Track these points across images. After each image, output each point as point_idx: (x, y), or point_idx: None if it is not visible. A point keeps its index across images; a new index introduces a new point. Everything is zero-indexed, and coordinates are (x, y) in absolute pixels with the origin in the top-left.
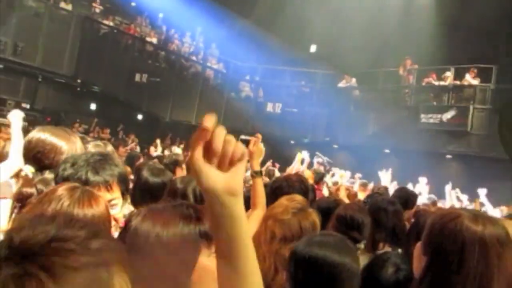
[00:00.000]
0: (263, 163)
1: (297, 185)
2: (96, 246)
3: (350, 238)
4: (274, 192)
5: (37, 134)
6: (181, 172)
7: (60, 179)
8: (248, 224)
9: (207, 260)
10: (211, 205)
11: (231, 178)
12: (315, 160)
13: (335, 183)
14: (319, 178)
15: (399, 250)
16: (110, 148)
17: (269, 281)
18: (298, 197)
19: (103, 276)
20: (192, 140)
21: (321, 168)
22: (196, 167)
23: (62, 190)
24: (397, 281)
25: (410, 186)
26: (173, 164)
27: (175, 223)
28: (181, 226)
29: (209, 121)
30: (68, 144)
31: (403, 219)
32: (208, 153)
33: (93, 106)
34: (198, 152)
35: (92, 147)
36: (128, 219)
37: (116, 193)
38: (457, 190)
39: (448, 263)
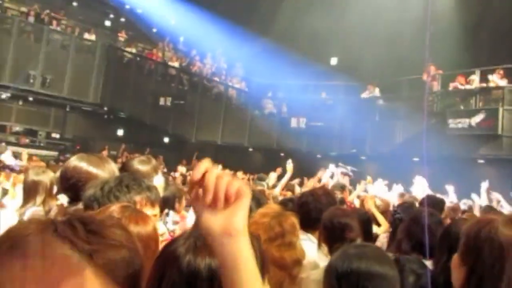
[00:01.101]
0: (292, 179)
1: (324, 198)
2: None
3: (343, 240)
4: (302, 207)
5: (73, 162)
6: None
7: (87, 200)
8: (254, 264)
9: None
10: (212, 246)
11: (227, 218)
12: (338, 170)
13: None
14: (342, 188)
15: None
16: (154, 162)
17: None
18: (274, 206)
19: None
20: (188, 189)
21: (346, 178)
22: (194, 211)
23: (114, 207)
24: None
25: (441, 194)
26: None
27: None
28: None
29: (199, 171)
30: (104, 172)
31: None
32: (204, 195)
33: (120, 132)
34: (194, 198)
35: (137, 163)
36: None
37: (157, 209)
38: (498, 195)
39: (488, 270)
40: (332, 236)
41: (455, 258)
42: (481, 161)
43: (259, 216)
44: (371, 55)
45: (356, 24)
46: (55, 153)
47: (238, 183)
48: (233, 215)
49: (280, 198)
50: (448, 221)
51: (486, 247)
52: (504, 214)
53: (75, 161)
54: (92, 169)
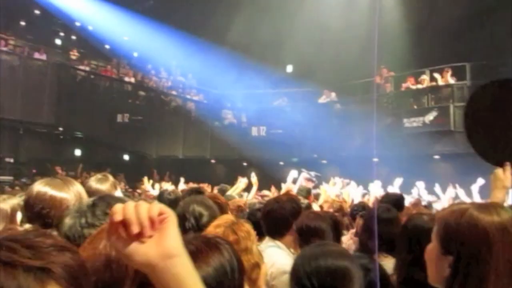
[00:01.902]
0: (259, 188)
1: (289, 205)
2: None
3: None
4: (268, 215)
5: (36, 188)
6: None
7: (67, 232)
8: (198, 280)
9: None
10: (154, 277)
11: (161, 241)
12: (302, 176)
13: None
14: (307, 193)
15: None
16: (111, 178)
17: None
18: (228, 216)
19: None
20: (106, 234)
21: (310, 184)
22: (122, 253)
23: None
24: (369, 284)
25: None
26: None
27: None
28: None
29: (118, 211)
30: (69, 195)
31: (397, 225)
32: (128, 230)
33: (77, 152)
34: (116, 240)
35: (96, 183)
36: None
37: None
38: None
39: (475, 256)
40: (305, 240)
41: (432, 249)
42: (437, 156)
43: (212, 228)
44: (325, 61)
45: (308, 31)
46: (10, 178)
47: (158, 205)
48: (166, 237)
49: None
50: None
51: (470, 234)
52: (471, 203)
53: (38, 187)
54: (56, 194)
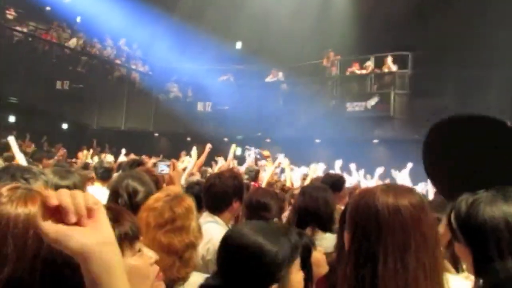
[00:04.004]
0: (206, 164)
1: (230, 181)
2: None
3: (261, 218)
4: (208, 189)
5: None
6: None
7: None
8: (124, 275)
9: (132, 260)
10: (87, 265)
11: (96, 229)
12: (247, 153)
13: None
14: (255, 175)
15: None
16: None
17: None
18: (172, 188)
19: None
20: (38, 219)
21: (258, 164)
22: (58, 237)
23: (3, 189)
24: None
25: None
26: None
27: None
28: None
29: (53, 196)
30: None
31: (331, 204)
32: (62, 217)
33: (12, 119)
34: (49, 224)
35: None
36: None
37: None
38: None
39: (367, 236)
40: (252, 215)
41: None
42: (376, 141)
43: (152, 201)
44: (274, 40)
45: (259, 10)
46: None
47: (91, 195)
48: (101, 225)
49: None
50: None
51: (364, 213)
52: (386, 184)
53: None
54: None
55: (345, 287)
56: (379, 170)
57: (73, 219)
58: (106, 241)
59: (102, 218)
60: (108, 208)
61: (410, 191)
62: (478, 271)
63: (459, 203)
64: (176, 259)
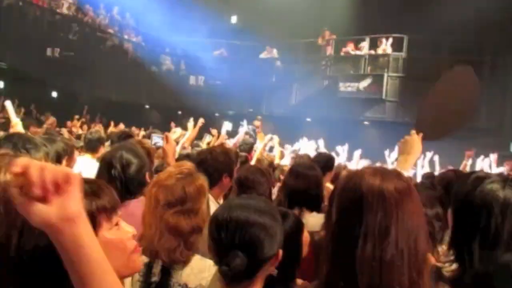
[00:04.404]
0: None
1: (221, 157)
2: None
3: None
4: (199, 165)
5: None
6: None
7: None
8: (99, 248)
9: (109, 234)
10: (53, 239)
11: (62, 204)
12: (241, 129)
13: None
14: (250, 148)
15: (318, 214)
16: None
17: (155, 246)
18: (186, 164)
19: None
20: (11, 185)
21: (250, 138)
22: (22, 210)
23: None
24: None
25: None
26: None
27: None
28: None
29: (18, 164)
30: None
31: (321, 183)
32: (30, 189)
33: (0, 84)
34: (16, 193)
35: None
36: None
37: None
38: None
39: (350, 218)
40: (243, 191)
41: None
42: (366, 122)
43: (163, 177)
44: (270, 17)
45: None
46: None
47: (65, 169)
48: (68, 200)
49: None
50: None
51: (349, 196)
52: (376, 167)
53: None
54: None
55: (324, 267)
56: (357, 153)
57: (37, 192)
58: (70, 217)
59: (73, 193)
60: (86, 181)
61: (397, 175)
62: (457, 251)
63: (466, 178)
64: (181, 241)
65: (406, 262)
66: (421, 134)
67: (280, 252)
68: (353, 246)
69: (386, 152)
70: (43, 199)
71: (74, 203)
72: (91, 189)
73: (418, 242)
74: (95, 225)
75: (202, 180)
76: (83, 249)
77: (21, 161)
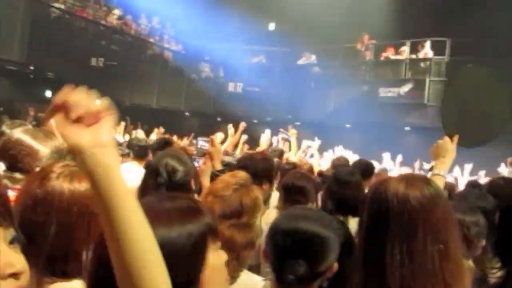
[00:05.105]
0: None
1: (261, 163)
2: None
3: (296, 202)
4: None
5: (17, 134)
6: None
7: None
8: (121, 178)
9: (215, 258)
10: (81, 163)
11: (95, 130)
12: (280, 136)
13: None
14: (279, 155)
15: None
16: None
17: None
18: (241, 173)
19: None
20: (46, 112)
21: (287, 144)
22: (58, 131)
23: (55, 166)
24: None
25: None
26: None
27: (180, 221)
28: (187, 224)
29: (61, 95)
30: (47, 148)
31: (361, 189)
32: (68, 113)
33: (48, 94)
34: (55, 118)
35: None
36: None
37: None
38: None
39: (377, 225)
40: (290, 197)
41: None
42: (408, 128)
43: (220, 186)
44: (308, 23)
45: None
46: None
47: (102, 100)
48: (100, 128)
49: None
50: None
51: (375, 202)
52: (405, 173)
53: (19, 134)
54: (35, 144)
55: (356, 275)
56: (399, 158)
57: (73, 116)
58: (101, 143)
59: (107, 123)
60: (188, 198)
61: (424, 181)
62: (502, 257)
63: None
64: (234, 256)
65: (438, 266)
66: (455, 138)
67: (335, 265)
68: (382, 253)
69: (425, 163)
70: (79, 124)
71: (107, 131)
72: (196, 205)
73: (449, 246)
74: (205, 246)
75: (258, 192)
76: (113, 179)
77: (64, 92)
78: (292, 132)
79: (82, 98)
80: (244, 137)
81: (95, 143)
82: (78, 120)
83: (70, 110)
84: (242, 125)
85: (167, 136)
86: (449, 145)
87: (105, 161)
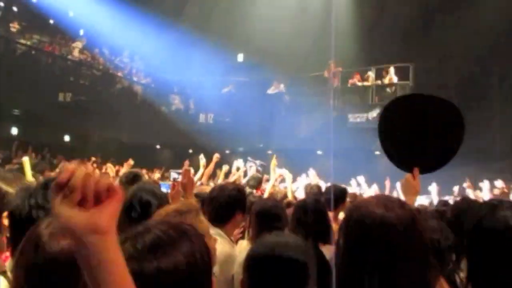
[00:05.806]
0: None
1: (233, 193)
2: None
3: (273, 228)
4: (211, 202)
5: None
6: None
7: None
8: (124, 267)
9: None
10: (77, 248)
11: (95, 215)
12: (248, 165)
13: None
14: (258, 183)
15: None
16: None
17: None
18: (189, 201)
19: None
20: (53, 187)
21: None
22: (55, 210)
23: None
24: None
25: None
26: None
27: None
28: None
29: (67, 171)
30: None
31: (326, 214)
32: (70, 193)
33: (14, 131)
34: (56, 198)
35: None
36: None
37: None
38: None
39: (355, 249)
40: (263, 226)
41: None
42: (377, 152)
43: (163, 213)
44: (276, 52)
45: (261, 22)
46: None
47: (109, 181)
48: (102, 212)
49: None
50: None
51: (351, 226)
52: (383, 196)
53: None
54: (4, 187)
55: None
56: (374, 186)
57: (76, 197)
58: (98, 230)
59: (108, 208)
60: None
61: (400, 205)
62: (474, 279)
63: (480, 207)
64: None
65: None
66: (416, 172)
67: None
68: (360, 278)
69: (398, 184)
70: (80, 205)
71: (107, 216)
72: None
73: (424, 268)
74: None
75: (203, 219)
76: (106, 264)
77: (69, 168)
78: (273, 163)
79: (87, 179)
80: (225, 167)
81: (91, 230)
82: (80, 202)
83: (73, 190)
84: (216, 156)
85: (135, 170)
86: (412, 182)
87: (99, 251)
